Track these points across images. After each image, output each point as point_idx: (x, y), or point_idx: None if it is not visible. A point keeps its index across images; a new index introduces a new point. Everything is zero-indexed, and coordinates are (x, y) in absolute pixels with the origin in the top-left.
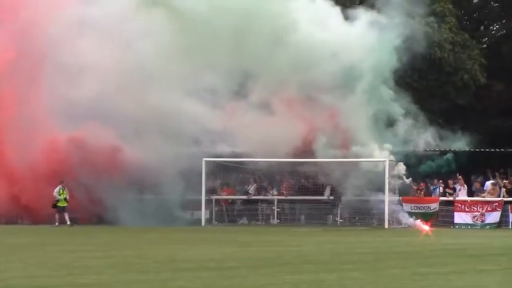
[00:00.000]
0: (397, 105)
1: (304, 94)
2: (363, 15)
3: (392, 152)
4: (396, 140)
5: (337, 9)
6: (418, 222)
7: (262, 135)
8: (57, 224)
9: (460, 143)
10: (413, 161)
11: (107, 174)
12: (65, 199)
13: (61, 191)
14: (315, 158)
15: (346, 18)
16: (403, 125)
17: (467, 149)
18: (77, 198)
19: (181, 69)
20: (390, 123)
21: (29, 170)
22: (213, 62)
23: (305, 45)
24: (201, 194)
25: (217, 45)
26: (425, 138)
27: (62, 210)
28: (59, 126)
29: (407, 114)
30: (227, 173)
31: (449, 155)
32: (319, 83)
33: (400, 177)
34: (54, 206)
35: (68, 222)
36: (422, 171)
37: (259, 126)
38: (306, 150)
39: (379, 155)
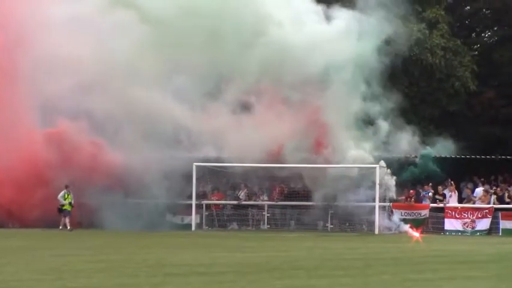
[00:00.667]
0: (378, 106)
1: (281, 94)
2: (343, 14)
3: (372, 155)
4: (376, 143)
5: (317, 8)
6: (396, 217)
7: (240, 139)
8: (68, 228)
9: (445, 149)
10: (395, 167)
11: (89, 176)
12: (70, 203)
13: (66, 195)
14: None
15: (328, 17)
16: (384, 128)
17: (452, 155)
18: (58, 202)
19: (155, 70)
20: (370, 122)
21: (8, 173)
22: (186, 63)
23: (282, 44)
24: (187, 198)
25: (190, 46)
26: (408, 143)
27: (68, 214)
28: (37, 126)
29: (387, 116)
30: (211, 177)
31: (423, 151)
32: (296, 82)
33: (386, 186)
34: (60, 210)
35: (61, 227)
36: (405, 178)
37: (237, 129)
38: (280, 155)
39: (356, 155)
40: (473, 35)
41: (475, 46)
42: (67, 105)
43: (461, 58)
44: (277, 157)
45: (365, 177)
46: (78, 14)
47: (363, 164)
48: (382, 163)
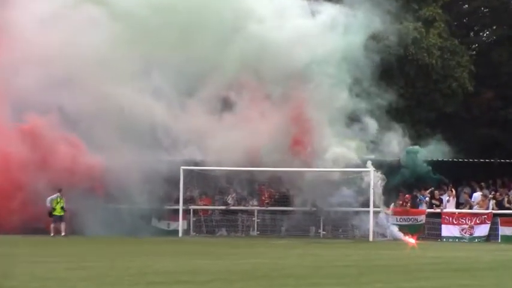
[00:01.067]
0: (366, 103)
1: (264, 90)
2: (329, 8)
3: (358, 155)
4: (363, 141)
5: (303, 2)
6: (383, 219)
7: (222, 139)
8: (52, 234)
9: (439, 151)
10: (385, 169)
11: (68, 179)
12: (62, 208)
13: (58, 199)
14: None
15: (314, 11)
16: (372, 126)
17: (449, 159)
18: (38, 207)
19: (130, 67)
20: (357, 119)
21: None
22: (162, 60)
23: (263, 39)
24: (173, 203)
25: (165, 43)
26: (398, 144)
27: (59, 219)
28: (9, 122)
29: (376, 114)
30: (197, 181)
31: (408, 148)
32: (280, 77)
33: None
34: (50, 215)
35: (63, 233)
36: (396, 182)
37: (218, 128)
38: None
39: (338, 153)
40: (471, 34)
41: (473, 46)
42: (38, 101)
43: (459, 58)
44: (255, 158)
45: (350, 180)
46: (49, 9)
47: (345, 162)
48: (369, 164)
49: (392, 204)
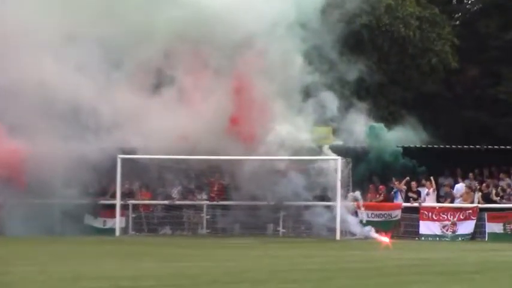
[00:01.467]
0: (324, 77)
1: (202, 62)
2: None
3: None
4: (320, 120)
5: None
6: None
7: (157, 120)
8: None
9: (414, 135)
10: (349, 156)
11: None
12: None
13: None
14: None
15: None
16: (330, 102)
17: (428, 145)
18: None
19: (47, 40)
20: (312, 94)
21: None
22: (84, 32)
23: (197, 3)
24: (109, 197)
25: (86, 14)
26: (364, 125)
27: None
28: None
29: (334, 89)
30: (132, 170)
31: (371, 125)
32: (221, 47)
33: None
34: None
35: None
36: (362, 172)
37: (149, 109)
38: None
39: (285, 134)
40: (453, 1)
41: (456, 15)
42: None
43: (440, 29)
44: (191, 143)
45: (305, 170)
46: None
47: (295, 146)
48: (326, 149)
49: (351, 193)
